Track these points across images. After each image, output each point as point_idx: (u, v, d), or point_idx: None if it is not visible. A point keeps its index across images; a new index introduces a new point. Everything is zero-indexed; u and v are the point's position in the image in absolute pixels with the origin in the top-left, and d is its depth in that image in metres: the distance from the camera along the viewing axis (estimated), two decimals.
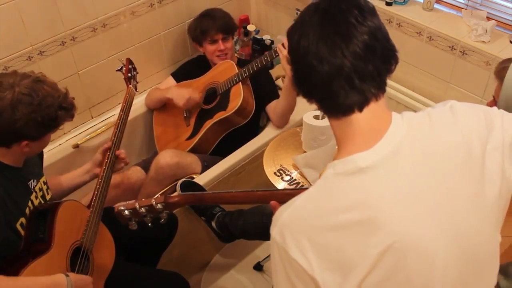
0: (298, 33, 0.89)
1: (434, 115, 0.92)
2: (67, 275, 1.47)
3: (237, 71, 2.40)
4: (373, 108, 0.89)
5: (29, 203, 1.60)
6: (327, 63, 0.86)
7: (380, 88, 0.90)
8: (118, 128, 1.87)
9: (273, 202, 1.17)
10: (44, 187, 1.69)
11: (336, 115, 0.90)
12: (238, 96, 2.34)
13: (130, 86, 2.07)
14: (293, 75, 0.94)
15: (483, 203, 0.89)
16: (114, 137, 1.84)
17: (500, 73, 1.60)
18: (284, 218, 0.87)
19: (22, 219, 1.57)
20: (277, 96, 2.45)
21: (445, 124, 0.91)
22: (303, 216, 0.86)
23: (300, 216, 0.86)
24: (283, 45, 2.19)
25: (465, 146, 0.89)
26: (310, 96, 0.93)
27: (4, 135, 1.47)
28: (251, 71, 2.32)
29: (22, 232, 1.56)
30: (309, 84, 0.91)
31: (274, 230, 0.88)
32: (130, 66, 2.15)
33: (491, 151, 0.90)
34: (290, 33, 0.92)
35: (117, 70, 2.14)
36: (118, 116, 1.91)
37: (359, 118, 0.89)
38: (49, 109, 1.49)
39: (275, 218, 0.89)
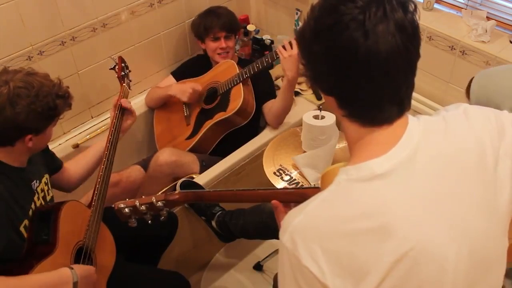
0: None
1: (449, 119, 0.91)
2: (71, 268, 1.48)
3: (238, 71, 2.40)
4: (401, 118, 0.87)
5: (32, 205, 1.60)
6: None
7: (410, 100, 0.88)
8: (115, 127, 1.87)
9: (274, 202, 1.16)
10: (45, 188, 1.69)
11: (365, 123, 0.87)
12: (239, 97, 2.34)
13: (123, 84, 2.07)
14: (332, 79, 0.86)
15: (494, 208, 0.88)
16: (111, 136, 1.84)
17: (467, 91, 1.61)
18: (295, 224, 0.83)
19: (26, 221, 1.56)
20: (275, 96, 2.45)
21: (459, 128, 0.90)
22: (316, 222, 0.83)
23: (313, 223, 0.83)
24: (283, 47, 2.19)
25: (479, 151, 0.88)
26: (345, 101, 0.87)
27: (8, 131, 1.47)
28: (252, 72, 2.32)
29: (26, 234, 1.55)
30: (356, 89, 0.84)
31: (284, 236, 0.84)
32: (122, 65, 2.15)
33: (503, 157, 0.89)
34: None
35: (110, 69, 2.15)
36: (114, 115, 1.91)
37: (385, 129, 0.86)
38: (47, 98, 1.50)
39: (285, 224, 0.85)
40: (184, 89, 2.48)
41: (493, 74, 1.57)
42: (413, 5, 0.83)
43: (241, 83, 2.37)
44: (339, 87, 0.86)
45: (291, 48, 2.16)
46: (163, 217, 1.42)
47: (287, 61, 2.16)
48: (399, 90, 0.85)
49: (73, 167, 1.90)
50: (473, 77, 1.57)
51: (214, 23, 2.52)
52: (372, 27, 0.79)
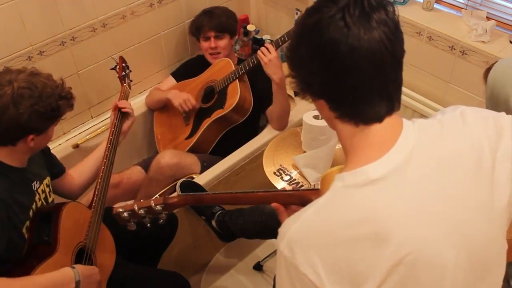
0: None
1: (445, 122, 0.91)
2: (73, 267, 1.48)
3: (234, 68, 2.40)
4: (392, 118, 0.87)
5: (34, 205, 1.60)
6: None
7: (400, 98, 0.88)
8: (115, 127, 1.87)
9: (274, 204, 1.16)
10: (47, 190, 1.69)
11: (357, 122, 0.87)
12: (235, 94, 2.34)
13: (124, 84, 2.07)
14: (320, 79, 0.86)
15: (492, 211, 0.88)
16: (112, 136, 1.84)
17: (486, 73, 1.65)
18: (292, 232, 0.84)
19: (28, 223, 1.56)
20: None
21: (456, 131, 0.90)
22: (313, 230, 0.83)
23: (310, 230, 0.83)
24: (263, 51, 2.19)
25: (475, 154, 0.88)
26: (335, 100, 0.87)
27: (10, 131, 1.47)
28: (247, 68, 2.32)
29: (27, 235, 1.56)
30: (343, 87, 0.85)
31: (282, 244, 0.84)
32: (123, 65, 2.14)
33: (501, 159, 0.89)
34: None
35: (111, 69, 2.14)
36: (115, 115, 1.91)
37: (377, 129, 0.86)
38: (50, 99, 1.50)
39: (283, 231, 0.86)
40: (179, 95, 2.48)
41: (510, 61, 1.64)
42: (391, 7, 0.85)
43: (237, 80, 2.37)
44: (327, 85, 0.86)
45: (269, 52, 2.18)
46: (161, 220, 1.41)
47: (269, 66, 2.18)
48: (386, 84, 0.85)
49: (77, 174, 1.90)
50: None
51: (204, 22, 2.54)
52: (353, 22, 0.81)
